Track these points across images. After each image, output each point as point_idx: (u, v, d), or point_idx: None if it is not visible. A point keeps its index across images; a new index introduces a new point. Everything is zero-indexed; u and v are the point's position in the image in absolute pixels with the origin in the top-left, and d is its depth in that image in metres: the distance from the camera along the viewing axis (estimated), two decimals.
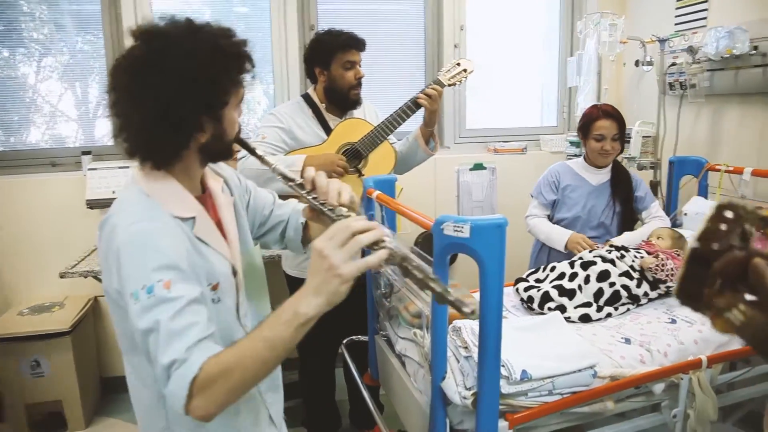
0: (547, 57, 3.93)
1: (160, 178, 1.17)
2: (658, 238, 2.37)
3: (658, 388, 1.69)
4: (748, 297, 0.68)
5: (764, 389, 1.96)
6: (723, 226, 0.66)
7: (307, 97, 2.51)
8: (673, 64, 3.04)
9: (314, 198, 1.24)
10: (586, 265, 2.15)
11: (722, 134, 2.99)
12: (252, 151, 1.29)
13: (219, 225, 1.27)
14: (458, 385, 1.47)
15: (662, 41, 3.08)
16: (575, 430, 1.72)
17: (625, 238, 2.49)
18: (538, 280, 2.21)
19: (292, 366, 2.54)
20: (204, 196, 1.27)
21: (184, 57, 1.08)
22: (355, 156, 2.39)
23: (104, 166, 3.03)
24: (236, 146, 1.28)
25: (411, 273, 1.05)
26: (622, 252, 2.22)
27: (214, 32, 1.14)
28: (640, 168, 3.16)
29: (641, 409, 1.74)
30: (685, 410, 1.70)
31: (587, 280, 2.10)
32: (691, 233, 2.52)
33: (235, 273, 1.26)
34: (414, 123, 2.59)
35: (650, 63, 3.23)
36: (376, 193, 1.94)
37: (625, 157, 3.05)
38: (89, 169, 3.01)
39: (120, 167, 3.02)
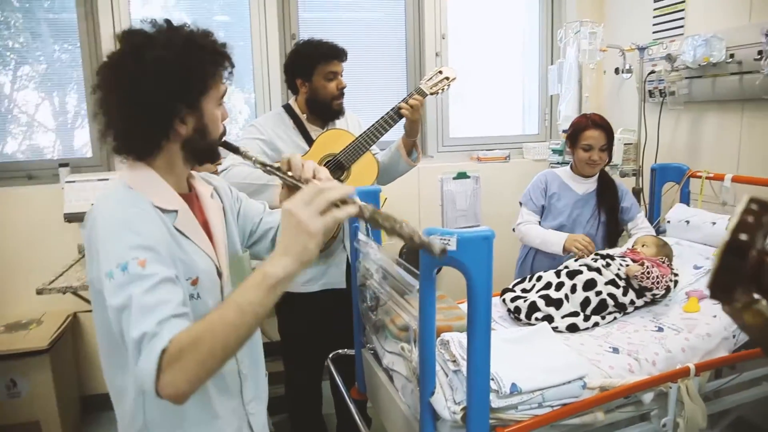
0: (528, 65, 3.96)
1: (143, 172, 1.20)
2: (642, 245, 2.38)
3: (648, 397, 1.68)
4: (756, 296, 0.69)
5: (751, 395, 1.97)
6: (751, 218, 0.67)
7: (288, 108, 2.49)
8: (653, 72, 3.07)
9: (291, 176, 1.26)
10: (572, 274, 2.15)
11: (702, 141, 3.02)
12: (236, 150, 1.32)
13: (206, 225, 1.29)
14: (447, 400, 1.45)
15: (641, 49, 3.11)
16: None
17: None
18: (524, 290, 2.20)
19: (278, 379, 2.50)
20: (190, 195, 1.30)
21: (159, 47, 1.13)
22: (337, 167, 2.37)
23: (82, 178, 2.96)
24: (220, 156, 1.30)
25: (381, 224, 1.06)
26: (608, 260, 2.22)
27: (191, 30, 1.20)
28: (623, 175, 3.18)
29: (631, 419, 1.74)
30: (674, 419, 1.70)
31: (574, 289, 2.09)
32: (675, 240, 2.54)
33: (220, 275, 1.27)
34: (398, 132, 2.57)
35: (630, 71, 3.26)
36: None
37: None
38: (67, 182, 2.94)
39: (99, 179, 2.96)
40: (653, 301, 2.17)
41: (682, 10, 3.06)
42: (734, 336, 1.95)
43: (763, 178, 2.51)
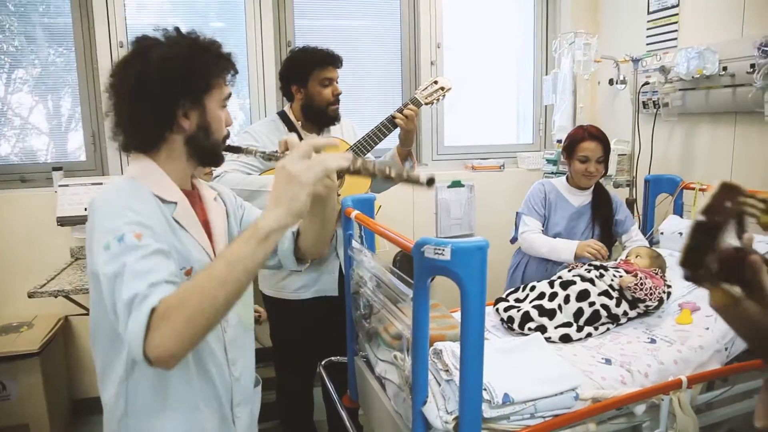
0: (522, 75, 3.98)
1: (146, 164, 1.25)
2: (636, 257, 2.39)
3: (640, 409, 1.69)
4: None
5: (743, 408, 1.97)
6: (724, 202, 0.71)
7: (283, 115, 2.49)
8: (646, 83, 3.08)
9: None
10: (565, 285, 2.15)
11: (695, 152, 3.03)
12: (238, 150, 1.36)
13: (206, 225, 1.32)
14: (439, 410, 1.45)
15: (635, 61, 3.13)
16: None
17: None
18: (518, 300, 2.20)
19: (269, 385, 2.49)
20: (192, 193, 1.33)
21: (165, 46, 1.21)
22: None
23: (76, 182, 2.96)
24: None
25: (372, 172, 1.12)
26: (602, 271, 2.23)
27: (198, 36, 1.27)
28: (616, 186, 3.19)
29: (623, 430, 1.73)
30: (666, 431, 1.70)
31: (567, 299, 2.10)
32: (668, 252, 2.55)
33: None
34: (393, 140, 2.58)
35: (624, 82, 3.29)
36: (354, 212, 1.92)
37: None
38: (60, 186, 2.93)
39: (92, 183, 2.96)
40: (646, 313, 2.18)
41: (676, 22, 3.08)
42: (726, 349, 1.96)
43: (755, 191, 2.51)
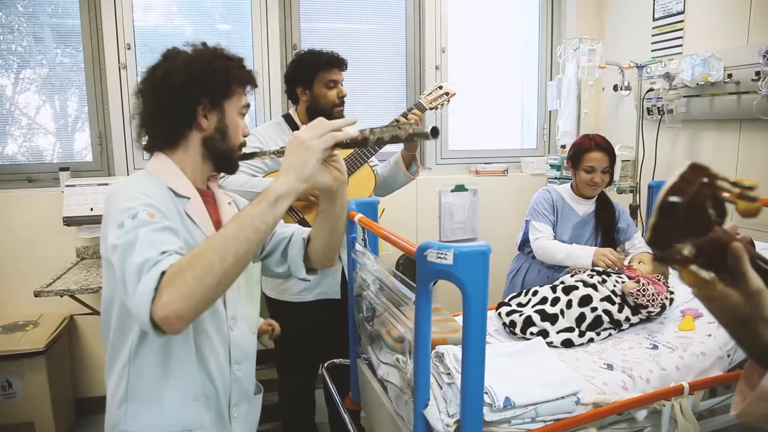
0: (527, 80, 3.99)
1: (164, 160, 1.31)
2: (639, 262, 2.39)
3: (641, 414, 1.69)
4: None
5: None
6: (692, 183, 0.68)
7: (288, 118, 2.50)
8: (651, 90, 3.09)
9: None
10: (568, 290, 2.16)
11: (699, 159, 3.00)
12: (253, 156, 1.41)
13: (218, 225, 1.34)
14: (441, 413, 1.46)
15: (640, 67, 3.13)
16: None
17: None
18: (520, 305, 2.21)
19: (272, 387, 2.50)
20: (207, 193, 1.38)
21: (192, 53, 1.29)
22: None
23: (82, 183, 2.98)
24: None
25: (382, 138, 1.17)
26: (604, 277, 2.23)
27: (224, 48, 1.34)
28: (620, 192, 3.20)
29: None
30: None
31: (569, 304, 2.10)
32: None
33: None
34: (397, 144, 2.59)
35: (628, 88, 3.29)
36: (358, 216, 1.93)
37: None
38: (67, 186, 2.96)
39: (99, 184, 2.98)
40: (648, 319, 2.18)
41: (681, 29, 3.09)
42: (729, 355, 1.96)
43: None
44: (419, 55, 3.64)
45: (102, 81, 3.19)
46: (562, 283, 2.24)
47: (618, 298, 2.15)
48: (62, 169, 3.11)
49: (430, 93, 2.49)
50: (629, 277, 2.23)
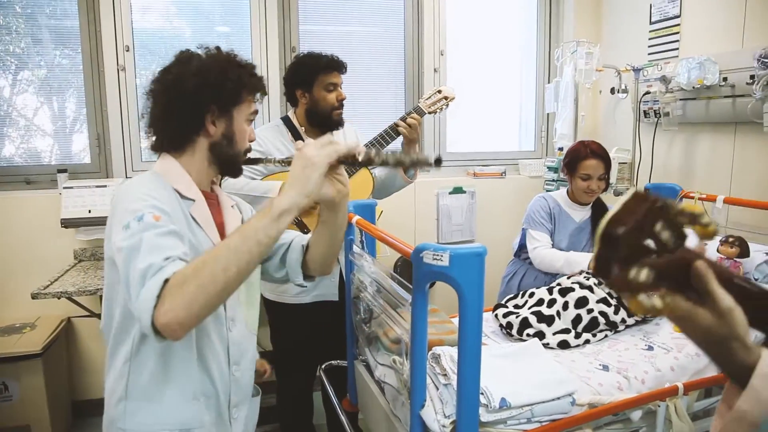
0: (525, 83, 4.00)
1: (170, 162, 1.32)
2: None
3: (636, 415, 1.70)
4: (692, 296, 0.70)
5: None
6: (634, 215, 0.68)
7: (286, 120, 2.51)
8: (648, 93, 3.11)
9: None
10: (564, 292, 2.17)
11: (695, 162, 3.05)
12: (257, 161, 1.43)
13: (221, 227, 1.37)
14: (437, 413, 1.47)
15: (637, 70, 3.15)
16: None
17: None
18: (516, 306, 2.22)
19: (269, 389, 2.51)
20: (211, 195, 1.40)
21: (204, 57, 1.32)
22: None
23: (80, 184, 2.98)
24: None
25: (385, 160, 1.19)
26: (600, 279, 2.24)
27: (236, 55, 1.36)
28: (617, 194, 3.21)
29: None
30: None
31: (566, 306, 2.11)
32: None
33: None
34: (395, 146, 2.60)
35: (625, 91, 3.31)
36: (356, 218, 1.94)
37: None
38: (65, 188, 2.96)
39: (97, 186, 2.98)
40: (644, 320, 2.19)
41: (677, 33, 3.10)
42: None
43: (754, 201, 2.54)
44: (417, 58, 3.66)
45: (100, 83, 3.20)
46: (558, 285, 2.25)
47: (614, 300, 2.16)
48: (60, 171, 3.11)
49: (429, 97, 2.50)
50: None
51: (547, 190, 3.44)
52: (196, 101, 1.28)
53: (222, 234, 1.36)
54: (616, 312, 2.13)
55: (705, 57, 2.70)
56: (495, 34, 3.85)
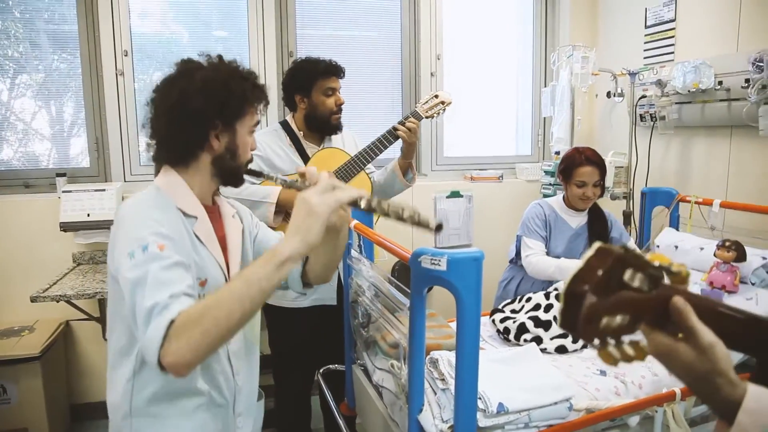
0: (521, 87, 4.02)
1: (173, 177, 1.32)
2: None
3: (633, 420, 1.71)
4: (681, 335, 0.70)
5: None
6: (598, 271, 0.67)
7: (285, 125, 2.52)
8: (643, 96, 3.12)
9: (307, 186, 1.34)
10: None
11: (691, 165, 3.07)
12: (260, 174, 1.44)
13: (223, 240, 1.39)
14: (435, 418, 1.48)
15: (632, 74, 3.16)
16: None
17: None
18: (513, 311, 2.22)
19: (268, 393, 2.50)
20: (213, 208, 1.40)
21: (208, 70, 1.30)
22: None
23: (79, 188, 2.99)
24: None
25: (386, 212, 1.17)
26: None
27: (239, 65, 1.35)
28: (613, 198, 3.23)
29: None
30: None
31: None
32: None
33: None
34: (394, 151, 2.61)
35: (621, 95, 3.32)
36: (354, 222, 1.95)
37: None
38: (64, 191, 2.97)
39: (95, 189, 2.99)
40: None
41: (673, 37, 3.12)
42: None
43: (750, 204, 2.55)
44: (414, 62, 3.67)
45: (99, 87, 3.20)
46: (555, 289, 2.26)
47: None
48: (59, 175, 3.12)
49: (426, 102, 2.51)
50: None
51: (544, 194, 3.45)
52: (201, 119, 1.27)
53: (224, 247, 1.37)
54: None
55: (700, 61, 2.71)
56: (491, 38, 3.86)
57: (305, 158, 2.44)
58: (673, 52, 3.13)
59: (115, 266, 1.18)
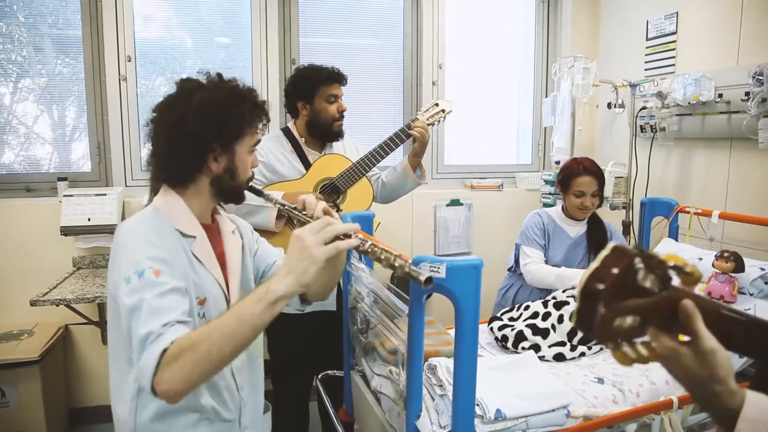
0: (522, 97, 4.04)
1: (172, 198, 1.33)
2: None
3: (631, 428, 1.71)
4: (684, 338, 0.71)
5: None
6: (614, 269, 0.69)
7: (287, 131, 2.53)
8: (644, 108, 3.14)
9: (304, 215, 1.37)
10: (559, 305, 2.18)
11: (691, 176, 3.08)
12: (259, 194, 1.45)
13: (222, 257, 1.39)
14: (433, 424, 1.48)
15: (633, 86, 3.18)
16: None
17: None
18: (511, 319, 2.23)
19: (266, 398, 2.51)
20: (212, 226, 1.41)
21: (207, 90, 1.29)
22: (333, 191, 2.41)
23: (80, 193, 3.00)
24: None
25: (378, 257, 1.19)
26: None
27: (238, 84, 1.34)
28: (613, 208, 3.23)
29: None
30: None
31: (560, 319, 2.13)
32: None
33: (228, 301, 1.35)
34: (393, 158, 2.63)
35: (622, 106, 3.34)
36: None
37: None
38: (65, 196, 2.98)
39: (96, 194, 3.00)
40: None
41: (674, 49, 3.14)
42: None
43: (749, 216, 2.56)
44: (416, 71, 3.69)
45: (102, 92, 3.22)
46: (554, 298, 2.26)
47: None
48: (60, 179, 3.13)
49: (427, 110, 2.53)
50: None
51: (544, 204, 3.46)
52: (198, 142, 1.27)
53: (222, 265, 1.37)
54: None
55: (701, 73, 2.73)
56: (493, 47, 3.89)
57: (306, 164, 2.46)
58: (674, 65, 3.15)
59: (115, 288, 1.19)
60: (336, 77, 2.45)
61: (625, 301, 0.69)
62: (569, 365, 2.01)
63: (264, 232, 2.00)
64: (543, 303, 2.23)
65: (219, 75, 1.34)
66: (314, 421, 2.76)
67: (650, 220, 2.96)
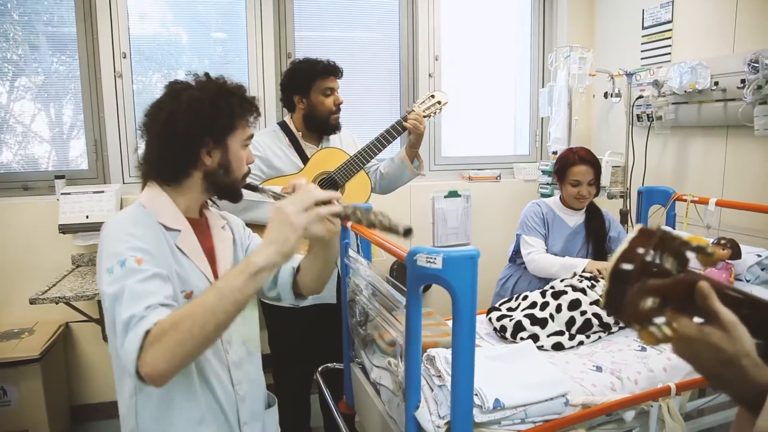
0: (519, 87, 4.03)
1: (156, 192, 1.33)
2: None
3: (629, 415, 1.72)
4: (697, 319, 0.72)
5: (733, 415, 2.00)
6: (641, 250, 0.70)
7: (284, 125, 2.53)
8: (640, 97, 3.14)
9: None
10: (557, 295, 2.19)
11: (687, 165, 3.08)
12: (256, 189, 1.44)
13: (211, 251, 1.38)
14: (432, 414, 1.49)
15: (629, 75, 3.18)
16: None
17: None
18: (510, 309, 2.23)
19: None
20: (200, 221, 1.40)
21: (195, 89, 1.30)
22: (331, 185, 2.41)
23: (78, 190, 3.00)
24: None
25: (361, 219, 1.21)
26: (593, 281, 2.27)
27: (226, 81, 1.35)
28: (610, 197, 3.24)
29: None
30: None
31: (559, 309, 2.13)
32: None
33: None
34: (389, 150, 2.63)
35: (618, 95, 3.34)
36: (350, 222, 1.95)
37: None
38: (62, 194, 2.98)
39: (94, 192, 3.00)
40: None
41: (670, 38, 3.14)
42: None
43: (745, 203, 2.57)
44: (412, 63, 3.68)
45: (98, 89, 3.21)
46: (552, 288, 2.27)
47: None
48: (58, 177, 3.13)
49: (423, 102, 2.53)
50: None
51: (542, 194, 3.47)
52: (190, 139, 1.28)
53: (211, 260, 1.37)
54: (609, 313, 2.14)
55: (697, 62, 2.73)
56: (489, 39, 3.88)
57: (304, 158, 2.46)
58: (670, 53, 3.15)
59: (99, 281, 1.20)
60: (332, 70, 2.45)
61: (648, 282, 0.70)
62: (567, 354, 2.02)
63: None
64: (541, 293, 2.24)
65: (206, 74, 1.35)
66: (315, 414, 2.77)
67: (647, 208, 2.96)
